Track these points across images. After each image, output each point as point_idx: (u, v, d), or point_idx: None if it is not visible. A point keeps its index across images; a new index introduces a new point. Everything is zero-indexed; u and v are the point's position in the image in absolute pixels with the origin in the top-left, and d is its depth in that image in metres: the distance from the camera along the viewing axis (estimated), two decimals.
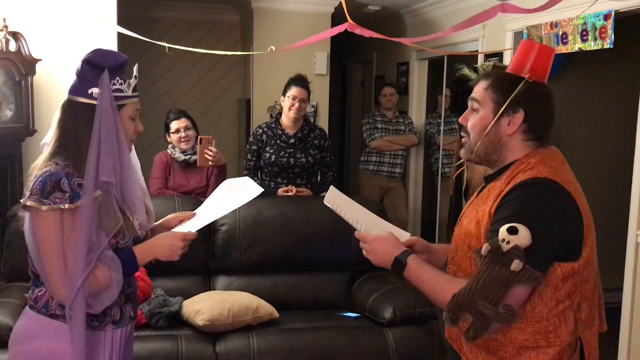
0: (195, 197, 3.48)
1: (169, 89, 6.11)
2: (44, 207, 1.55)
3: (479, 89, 1.63)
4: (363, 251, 1.71)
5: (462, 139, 1.68)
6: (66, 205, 1.56)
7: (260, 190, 1.96)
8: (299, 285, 3.33)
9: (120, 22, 4.01)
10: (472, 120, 1.63)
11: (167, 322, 2.91)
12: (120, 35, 3.83)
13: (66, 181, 1.58)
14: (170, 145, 3.66)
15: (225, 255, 3.29)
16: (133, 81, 1.69)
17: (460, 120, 1.69)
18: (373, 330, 3.00)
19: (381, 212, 3.62)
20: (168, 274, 3.19)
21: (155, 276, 3.15)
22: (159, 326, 2.89)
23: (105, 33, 3.83)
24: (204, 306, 2.89)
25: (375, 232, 1.79)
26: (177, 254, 1.74)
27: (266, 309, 2.98)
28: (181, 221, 1.93)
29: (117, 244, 1.67)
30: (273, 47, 2.71)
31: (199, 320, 2.82)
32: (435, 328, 3.38)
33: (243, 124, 5.86)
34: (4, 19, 3.39)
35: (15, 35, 3.45)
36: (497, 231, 1.44)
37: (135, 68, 1.71)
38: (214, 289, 3.25)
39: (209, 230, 3.27)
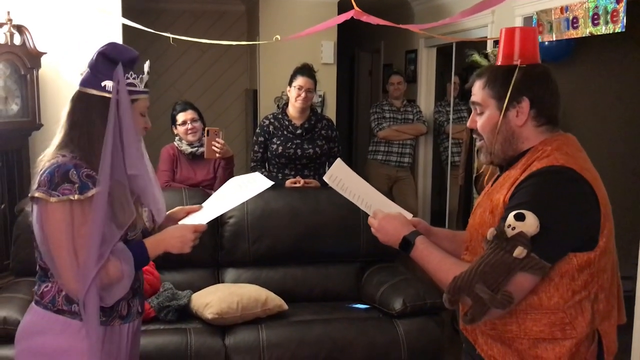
0: (203, 190, 3.46)
1: (175, 81, 6.08)
2: (52, 199, 1.53)
3: (477, 91, 1.61)
4: (371, 228, 1.70)
5: (479, 143, 1.65)
6: (76, 196, 1.54)
7: (269, 183, 1.95)
8: (307, 277, 3.30)
9: (125, 14, 3.99)
10: (480, 123, 1.61)
11: (175, 316, 2.90)
12: (125, 27, 3.80)
13: (75, 172, 1.56)
14: (177, 138, 3.64)
15: (233, 247, 3.27)
16: (145, 77, 1.69)
17: (468, 124, 1.67)
18: (383, 322, 2.97)
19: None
20: (176, 267, 3.18)
21: (163, 269, 3.14)
22: (167, 320, 2.88)
23: (110, 25, 3.81)
24: (213, 299, 2.87)
25: (376, 208, 1.77)
26: (189, 246, 1.72)
27: (275, 301, 2.97)
28: (188, 214, 1.90)
29: (127, 235, 1.65)
30: (278, 37, 2.68)
31: (208, 314, 2.81)
32: (445, 319, 3.36)
33: (250, 115, 5.83)
34: (8, 12, 3.37)
35: (20, 29, 3.43)
36: (506, 218, 1.41)
37: (147, 64, 1.71)
38: (222, 282, 3.24)
39: (217, 222, 3.25)
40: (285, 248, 3.29)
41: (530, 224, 1.38)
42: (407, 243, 1.61)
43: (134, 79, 1.65)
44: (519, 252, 1.37)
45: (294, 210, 3.32)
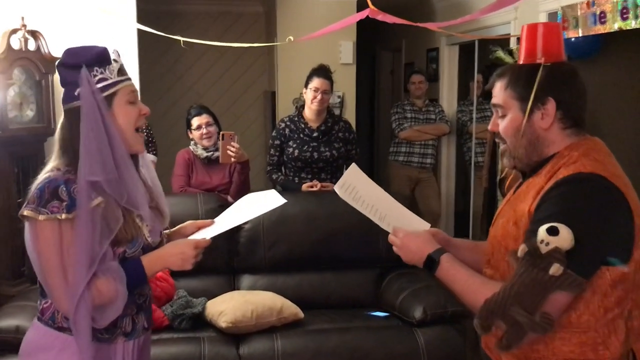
0: (218, 195, 3.41)
1: (194, 83, 6.05)
2: (41, 217, 1.48)
3: (498, 92, 1.50)
4: (393, 246, 1.61)
5: (502, 147, 1.56)
6: (63, 216, 1.48)
7: (283, 200, 1.87)
8: (325, 283, 3.22)
9: (142, 17, 3.96)
10: (502, 126, 1.51)
11: (190, 324, 2.84)
12: (141, 31, 3.76)
13: (64, 189, 1.50)
14: (192, 142, 3.59)
15: (249, 253, 3.21)
16: (115, 65, 1.58)
17: (490, 127, 1.56)
18: (402, 331, 2.87)
19: (408, 207, 3.49)
20: (192, 274, 3.09)
21: (178, 276, 3.08)
22: (181, 328, 2.83)
23: (125, 30, 3.78)
24: (227, 307, 2.81)
25: (392, 220, 1.69)
26: (190, 263, 1.63)
27: (291, 309, 2.89)
28: (199, 229, 1.82)
29: (125, 253, 1.58)
30: (291, 38, 2.60)
31: (222, 322, 2.75)
32: (468, 328, 3.25)
33: (269, 118, 5.77)
34: (22, 18, 3.35)
35: (34, 34, 3.41)
36: (537, 232, 1.31)
37: (113, 52, 1.61)
38: (238, 289, 3.18)
39: (233, 228, 3.18)
40: (301, 254, 3.21)
41: (565, 238, 1.28)
42: (431, 261, 1.52)
43: (101, 72, 1.55)
44: (556, 269, 1.27)
45: (311, 215, 3.24)
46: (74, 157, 1.52)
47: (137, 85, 3.88)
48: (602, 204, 1.33)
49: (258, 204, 1.90)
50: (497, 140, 1.58)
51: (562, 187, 1.36)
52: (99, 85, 1.55)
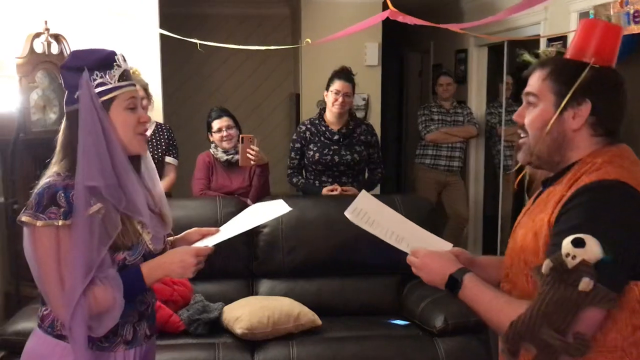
0: (238, 198, 3.38)
1: (219, 86, 6.05)
2: (39, 223, 1.45)
3: (536, 81, 1.41)
4: (413, 268, 1.53)
5: (520, 140, 1.47)
6: (60, 222, 1.45)
7: (288, 209, 1.85)
8: (344, 289, 3.16)
9: (166, 21, 3.96)
10: (529, 116, 1.42)
11: (206, 330, 2.81)
12: (165, 36, 3.77)
13: (63, 194, 1.47)
14: (212, 145, 3.57)
15: (267, 258, 3.17)
16: (116, 70, 1.55)
17: (514, 117, 1.47)
18: (422, 341, 2.79)
19: (432, 211, 3.41)
20: (210, 278, 3.10)
21: (196, 280, 3.03)
22: (197, 333, 2.80)
23: (148, 33, 3.79)
24: (243, 313, 2.77)
25: (411, 242, 1.61)
26: (191, 271, 1.59)
27: (308, 316, 2.84)
28: (204, 236, 1.78)
29: (125, 260, 1.55)
30: (309, 40, 2.55)
31: (238, 329, 2.71)
32: (491, 339, 3.14)
33: (293, 120, 5.74)
34: (46, 22, 3.38)
35: (57, 38, 3.44)
36: (560, 245, 1.22)
37: (117, 57, 1.57)
38: (256, 294, 3.14)
39: (251, 232, 3.15)
40: (321, 259, 3.15)
41: (593, 249, 1.19)
42: (454, 282, 1.43)
43: (101, 77, 1.52)
44: (586, 284, 1.18)
45: (331, 220, 3.17)
46: (74, 162, 1.50)
47: (159, 90, 3.96)
48: (628, 212, 1.25)
49: (264, 212, 1.88)
50: (518, 131, 1.48)
51: (584, 195, 1.28)
52: (97, 90, 1.52)
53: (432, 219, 3.32)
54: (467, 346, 2.74)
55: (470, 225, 5.49)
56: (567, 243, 1.21)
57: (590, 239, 1.20)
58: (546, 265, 1.24)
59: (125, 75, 1.58)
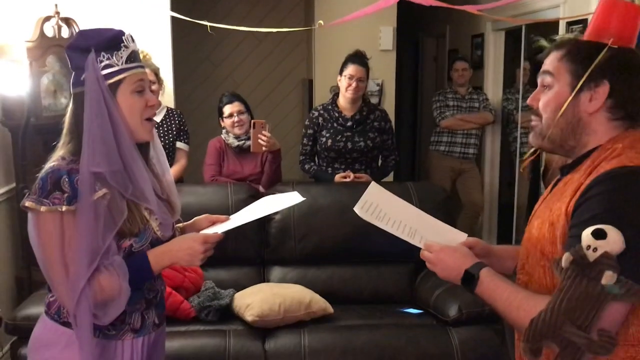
0: (249, 184, 3.34)
1: (232, 71, 6.00)
2: (42, 208, 1.42)
3: (552, 60, 1.35)
4: (427, 263, 1.48)
5: (532, 123, 1.41)
6: (64, 207, 1.42)
7: (301, 199, 1.79)
8: (356, 277, 3.12)
9: (178, 4, 3.91)
10: (544, 99, 1.36)
11: (217, 316, 2.79)
12: (176, 19, 3.72)
13: (67, 179, 1.44)
14: (224, 131, 3.52)
15: (279, 245, 3.14)
16: (124, 51, 1.50)
17: (529, 101, 1.41)
18: (436, 330, 2.75)
19: (446, 199, 3.35)
20: (221, 264, 3.08)
21: (207, 266, 3.04)
22: (208, 320, 2.78)
23: (159, 17, 3.74)
24: (254, 300, 2.74)
25: (424, 235, 1.55)
26: (198, 259, 1.55)
27: (320, 303, 2.80)
28: (214, 223, 1.74)
29: (131, 247, 1.51)
30: (322, 22, 2.49)
31: (248, 316, 2.69)
32: (506, 328, 3.09)
33: (306, 106, 5.68)
34: (56, 5, 3.35)
35: (68, 21, 3.41)
36: (580, 236, 1.17)
37: (125, 37, 1.52)
38: (268, 281, 3.11)
39: (263, 219, 3.12)
40: (333, 247, 3.12)
41: (615, 240, 1.14)
42: (470, 277, 1.38)
43: (107, 59, 1.47)
44: (609, 277, 1.13)
45: (343, 207, 3.12)
46: (80, 145, 1.46)
47: (170, 74, 3.91)
48: None
49: (276, 202, 1.84)
50: (532, 115, 1.43)
51: (604, 183, 1.21)
52: (104, 72, 1.47)
53: (447, 207, 3.26)
54: (481, 336, 2.69)
55: (485, 213, 5.42)
56: (587, 235, 1.16)
57: (612, 230, 1.14)
58: (566, 258, 1.18)
59: (134, 57, 1.53)
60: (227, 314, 2.82)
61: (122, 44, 1.51)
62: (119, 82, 1.49)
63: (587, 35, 1.37)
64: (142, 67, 1.56)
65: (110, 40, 1.50)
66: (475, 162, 5.15)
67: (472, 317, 2.72)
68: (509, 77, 5.50)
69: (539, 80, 1.40)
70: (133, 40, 1.56)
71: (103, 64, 1.47)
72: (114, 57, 1.48)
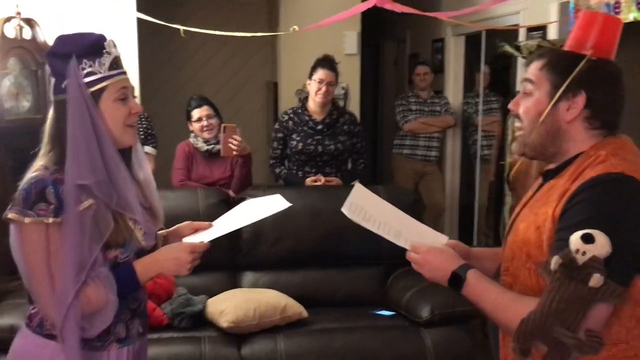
0: (219, 189, 3.32)
1: (194, 74, 5.93)
2: (27, 220, 1.38)
3: (533, 69, 1.41)
4: (413, 264, 1.49)
5: (517, 133, 1.46)
6: (50, 219, 1.38)
7: (287, 204, 1.76)
8: (329, 280, 3.15)
9: (142, 5, 3.84)
10: (524, 105, 1.41)
11: (190, 323, 2.76)
12: (141, 20, 3.65)
13: (52, 190, 1.39)
14: (192, 135, 3.48)
15: (252, 250, 3.13)
16: (106, 58, 1.46)
17: (510, 105, 1.46)
18: (409, 331, 2.79)
19: (415, 202, 3.40)
20: (192, 271, 3.02)
21: None
22: (181, 327, 2.74)
23: (124, 18, 3.67)
24: (228, 306, 2.73)
25: (408, 236, 1.57)
26: (186, 269, 1.53)
27: (294, 308, 2.81)
28: (196, 230, 1.72)
29: (117, 258, 1.48)
30: (296, 27, 2.50)
31: (223, 322, 2.67)
32: (477, 328, 3.16)
33: (271, 109, 5.66)
34: (17, 5, 3.24)
35: (30, 22, 3.31)
36: (567, 240, 1.21)
37: (106, 43, 1.48)
38: (240, 286, 3.10)
39: None
40: (306, 250, 3.13)
41: (602, 245, 1.19)
42: (457, 279, 1.40)
43: (90, 66, 1.43)
44: (596, 280, 1.18)
45: (315, 211, 3.15)
46: (63, 155, 1.42)
47: (136, 76, 3.84)
48: (634, 206, 1.24)
49: (261, 207, 1.80)
50: (517, 122, 1.48)
51: (591, 190, 1.26)
52: (86, 80, 1.43)
53: (416, 210, 3.31)
54: (453, 336, 2.75)
55: (446, 214, 5.52)
56: (576, 239, 1.20)
57: (600, 235, 1.19)
58: (555, 261, 1.23)
59: (116, 63, 1.49)
60: (201, 321, 2.79)
61: (104, 50, 1.47)
62: (102, 89, 1.46)
63: (567, 46, 1.42)
64: (124, 73, 1.53)
65: (91, 46, 1.46)
66: (437, 164, 5.24)
67: (444, 317, 2.78)
68: (469, 82, 5.62)
69: (521, 87, 1.45)
70: (115, 46, 1.52)
71: (85, 71, 1.44)
72: (96, 64, 1.45)
